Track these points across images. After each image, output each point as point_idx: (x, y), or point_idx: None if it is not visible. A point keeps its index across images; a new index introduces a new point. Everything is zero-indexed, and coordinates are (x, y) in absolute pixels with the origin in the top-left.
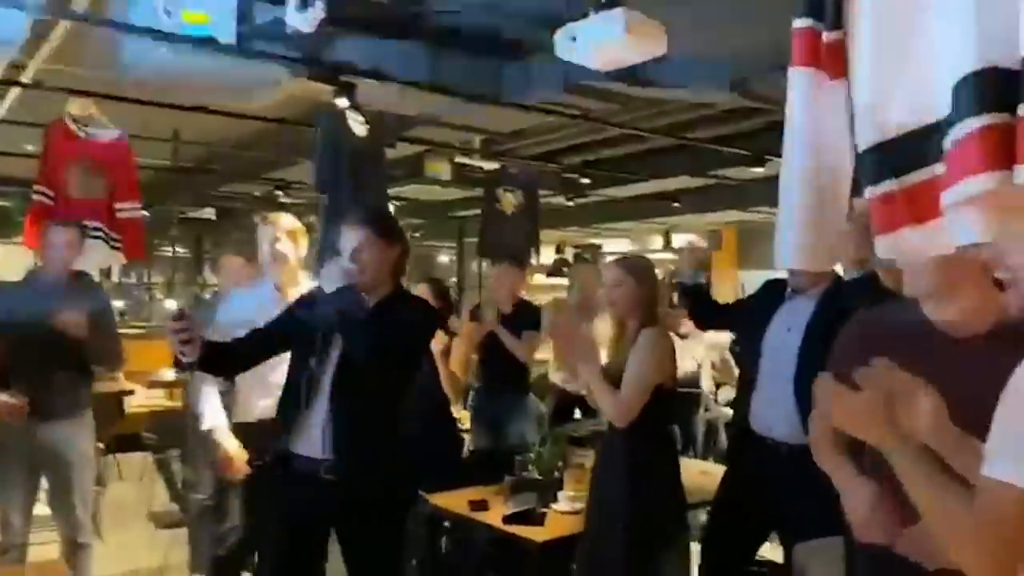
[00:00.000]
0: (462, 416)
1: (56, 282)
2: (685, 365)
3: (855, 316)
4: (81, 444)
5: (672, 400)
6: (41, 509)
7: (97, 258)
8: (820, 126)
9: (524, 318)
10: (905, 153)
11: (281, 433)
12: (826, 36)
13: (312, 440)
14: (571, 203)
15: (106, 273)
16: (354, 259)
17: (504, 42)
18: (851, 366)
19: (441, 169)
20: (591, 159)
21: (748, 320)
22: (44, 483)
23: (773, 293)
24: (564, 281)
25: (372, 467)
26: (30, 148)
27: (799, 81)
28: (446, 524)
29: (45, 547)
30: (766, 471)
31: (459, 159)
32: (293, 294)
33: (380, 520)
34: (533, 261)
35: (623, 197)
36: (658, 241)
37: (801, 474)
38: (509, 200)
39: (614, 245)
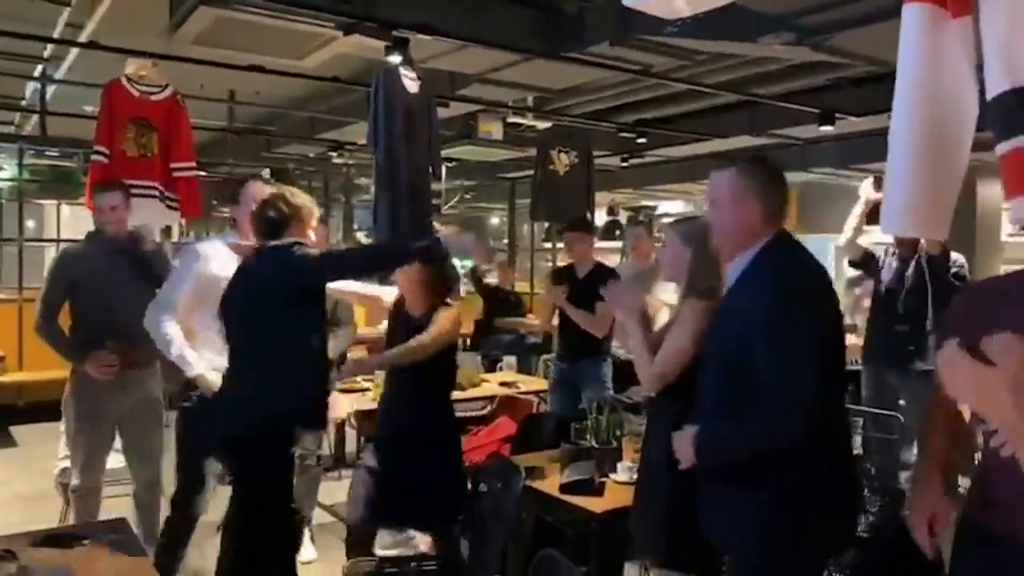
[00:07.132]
0: None
1: (116, 242)
2: None
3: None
4: (156, 391)
5: None
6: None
7: (154, 217)
8: (939, 71)
9: (600, 284)
10: None
11: None
12: None
13: None
14: (625, 164)
15: (167, 232)
16: None
17: None
18: (969, 334)
19: (493, 129)
20: (647, 117)
21: None
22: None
23: None
24: (616, 244)
25: None
26: (89, 109)
27: (915, 18)
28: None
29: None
30: None
31: (511, 119)
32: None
33: None
34: None
35: (679, 157)
36: None
37: None
38: (563, 161)
39: (668, 207)
